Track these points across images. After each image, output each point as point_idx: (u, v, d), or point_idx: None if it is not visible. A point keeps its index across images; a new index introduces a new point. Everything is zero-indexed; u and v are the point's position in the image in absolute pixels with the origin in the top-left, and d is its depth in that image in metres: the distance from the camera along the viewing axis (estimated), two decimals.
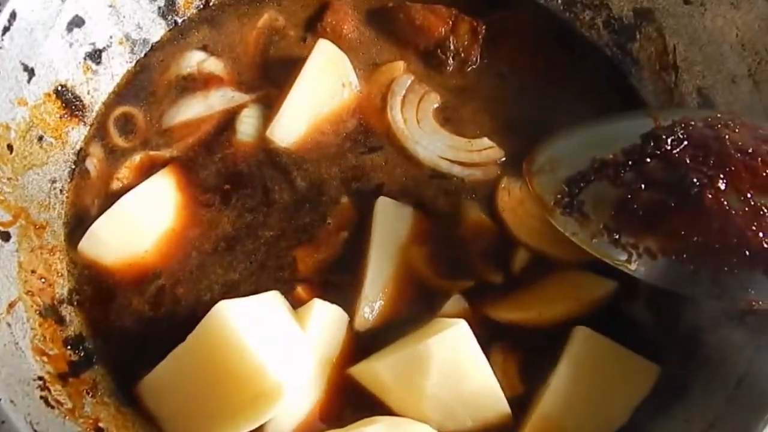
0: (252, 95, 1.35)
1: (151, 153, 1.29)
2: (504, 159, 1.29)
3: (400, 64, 1.39)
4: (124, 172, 1.27)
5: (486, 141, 1.30)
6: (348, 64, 1.35)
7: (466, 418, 1.07)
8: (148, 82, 1.36)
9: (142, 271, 1.19)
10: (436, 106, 1.35)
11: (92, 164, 1.28)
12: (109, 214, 1.19)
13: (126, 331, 1.15)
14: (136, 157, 1.29)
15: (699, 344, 1.11)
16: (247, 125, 1.32)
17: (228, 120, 1.32)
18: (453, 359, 1.05)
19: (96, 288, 1.18)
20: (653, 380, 1.08)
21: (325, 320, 1.12)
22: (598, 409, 1.06)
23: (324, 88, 1.33)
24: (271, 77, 1.37)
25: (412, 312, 1.16)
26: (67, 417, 0.97)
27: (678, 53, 1.31)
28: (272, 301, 1.11)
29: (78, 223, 1.23)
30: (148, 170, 1.27)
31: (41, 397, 0.96)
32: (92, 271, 1.19)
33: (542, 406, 1.05)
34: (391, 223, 1.20)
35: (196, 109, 1.33)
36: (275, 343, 1.03)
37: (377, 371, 1.08)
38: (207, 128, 1.32)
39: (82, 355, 1.10)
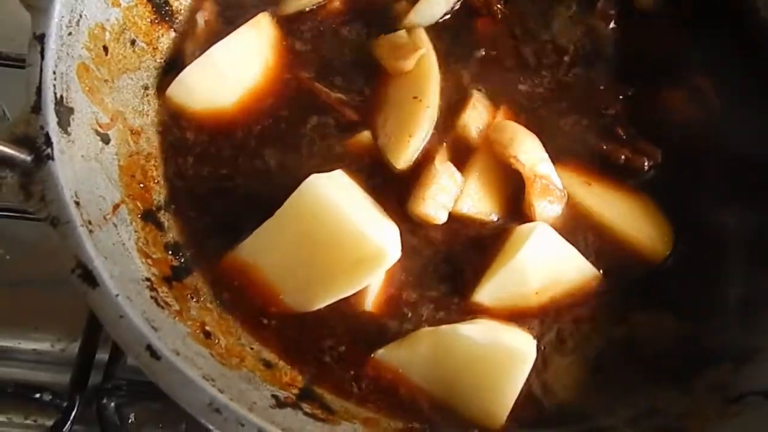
0: None
1: None
2: None
3: None
4: None
5: None
6: None
7: (571, 305, 1.10)
8: None
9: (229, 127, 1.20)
10: None
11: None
12: (198, 62, 1.17)
13: (218, 237, 1.13)
14: None
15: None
16: None
17: None
18: (547, 260, 1.06)
19: (187, 195, 1.17)
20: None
21: None
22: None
23: None
24: None
25: None
26: (176, 318, 0.96)
27: None
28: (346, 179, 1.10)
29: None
30: None
31: (151, 297, 0.95)
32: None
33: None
34: None
35: None
36: (369, 211, 1.05)
37: (482, 301, 1.08)
38: None
39: (182, 261, 1.09)
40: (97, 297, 0.88)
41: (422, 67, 1.19)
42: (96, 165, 1.02)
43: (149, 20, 1.21)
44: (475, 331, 1.03)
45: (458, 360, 1.02)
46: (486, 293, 1.07)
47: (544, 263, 1.07)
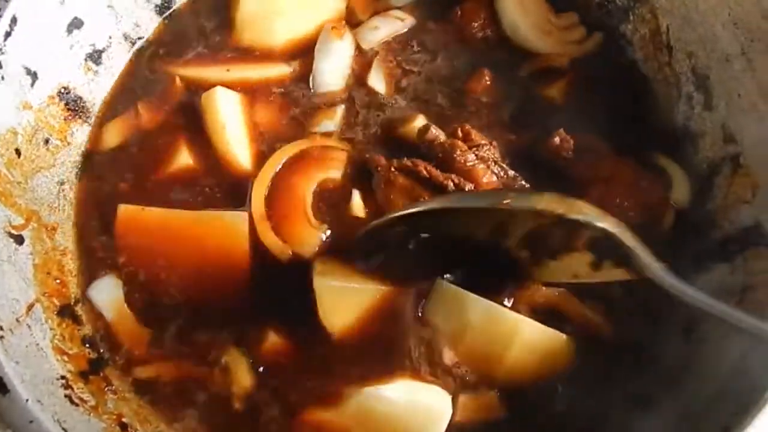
0: None
1: None
2: None
3: None
4: None
5: None
6: None
7: None
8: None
9: None
10: None
11: None
12: None
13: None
14: None
15: (693, 334, 1.13)
16: None
17: None
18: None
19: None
20: None
21: None
22: None
23: None
24: None
25: None
26: (91, 414, 1.00)
27: (671, 33, 1.33)
28: None
29: None
30: None
31: (65, 396, 0.99)
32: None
33: None
34: None
35: None
36: None
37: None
38: None
39: (100, 351, 1.13)
40: (7, 403, 0.91)
41: None
42: (8, 267, 1.06)
43: (62, 117, 1.26)
44: (394, 391, 1.09)
45: (379, 420, 1.08)
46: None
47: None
